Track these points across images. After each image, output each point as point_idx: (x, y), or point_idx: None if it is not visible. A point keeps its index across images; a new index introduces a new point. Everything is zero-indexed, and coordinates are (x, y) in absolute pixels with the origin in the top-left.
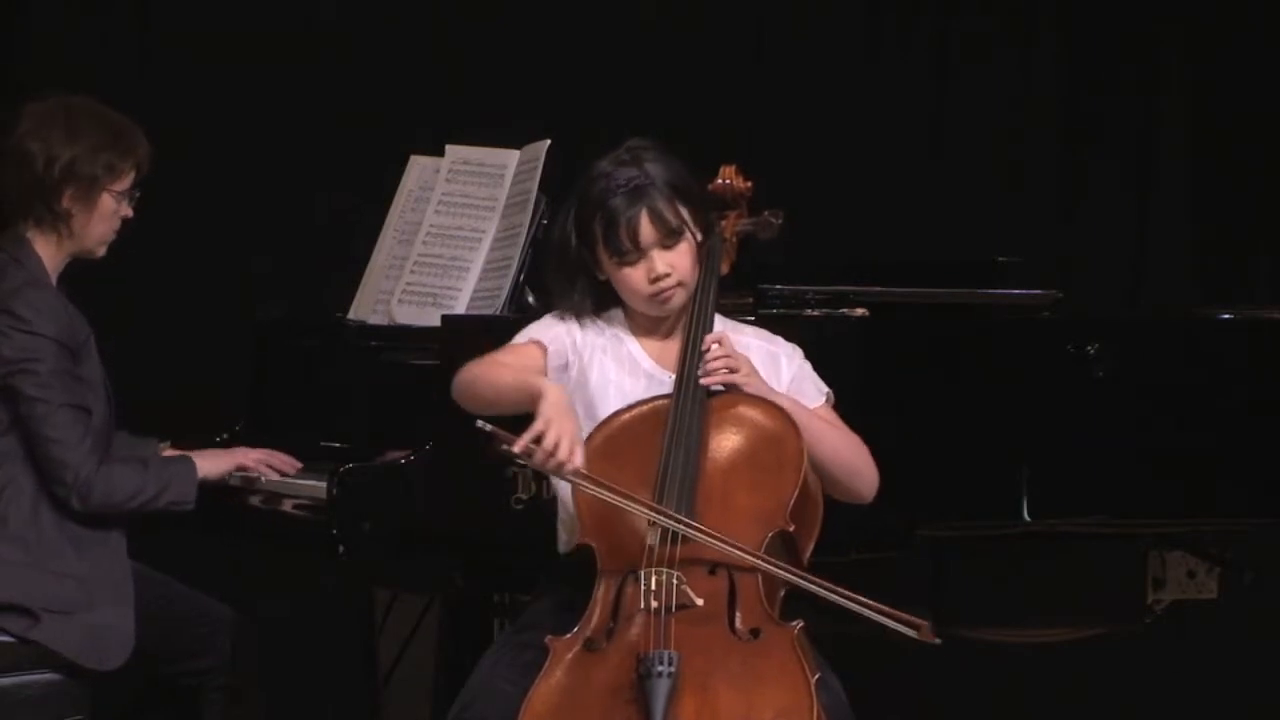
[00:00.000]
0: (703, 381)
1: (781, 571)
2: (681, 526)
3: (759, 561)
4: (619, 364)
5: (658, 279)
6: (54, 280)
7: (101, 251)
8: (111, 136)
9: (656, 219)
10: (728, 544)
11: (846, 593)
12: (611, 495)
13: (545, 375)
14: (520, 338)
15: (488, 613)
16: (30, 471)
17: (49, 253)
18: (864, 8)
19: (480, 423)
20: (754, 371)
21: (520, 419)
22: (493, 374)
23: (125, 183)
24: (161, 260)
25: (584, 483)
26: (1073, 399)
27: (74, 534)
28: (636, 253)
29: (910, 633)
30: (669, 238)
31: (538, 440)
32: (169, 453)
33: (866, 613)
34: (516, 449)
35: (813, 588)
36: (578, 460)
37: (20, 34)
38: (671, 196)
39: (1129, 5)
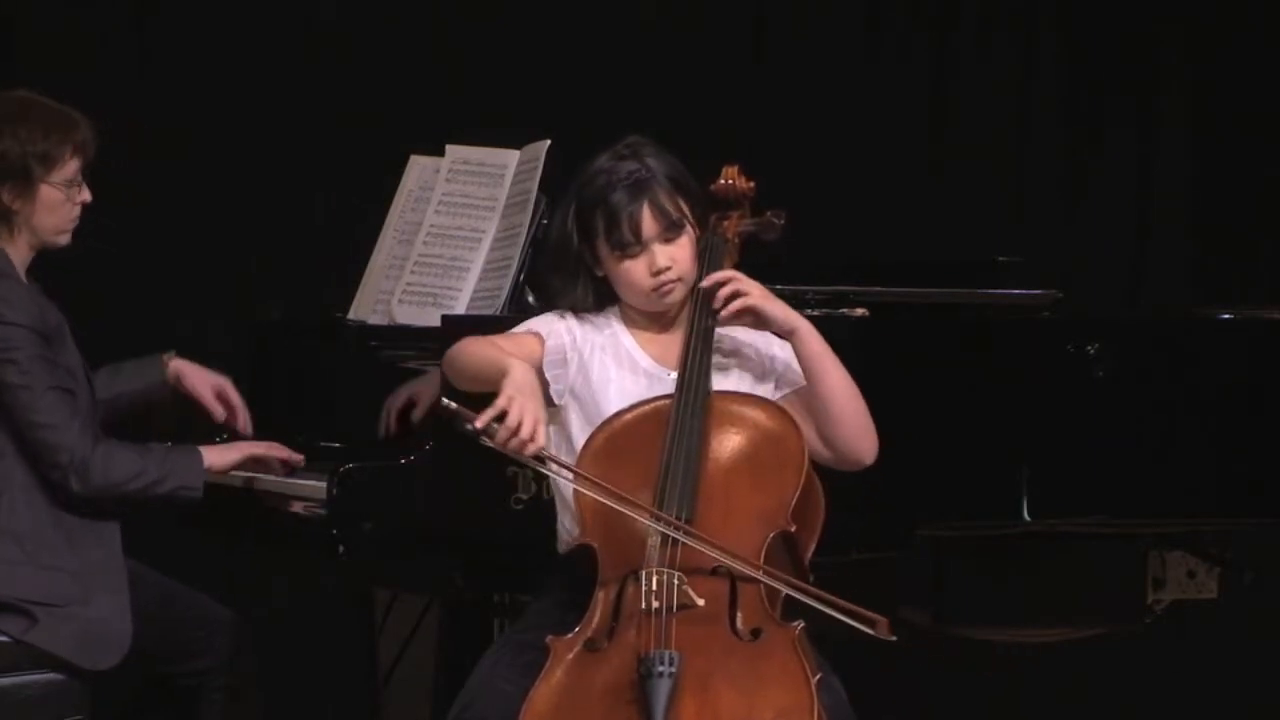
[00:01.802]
0: (723, 316)
1: (770, 580)
2: (679, 535)
3: (754, 572)
4: (618, 362)
5: (659, 272)
6: (22, 275)
7: (64, 240)
8: (43, 128)
9: (658, 211)
10: (724, 552)
11: (812, 589)
12: (611, 499)
13: (540, 368)
14: (520, 328)
15: (488, 613)
16: (22, 465)
17: (11, 250)
18: (864, 7)
19: (444, 400)
20: (767, 294)
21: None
22: (476, 349)
23: (66, 171)
24: (161, 260)
25: (548, 466)
26: (1073, 399)
27: (69, 527)
28: (638, 246)
29: (866, 629)
30: (670, 230)
31: (501, 419)
32: (176, 362)
33: (825, 609)
34: (478, 425)
35: (790, 591)
36: (540, 440)
37: (20, 34)
38: (672, 190)
39: (1129, 5)
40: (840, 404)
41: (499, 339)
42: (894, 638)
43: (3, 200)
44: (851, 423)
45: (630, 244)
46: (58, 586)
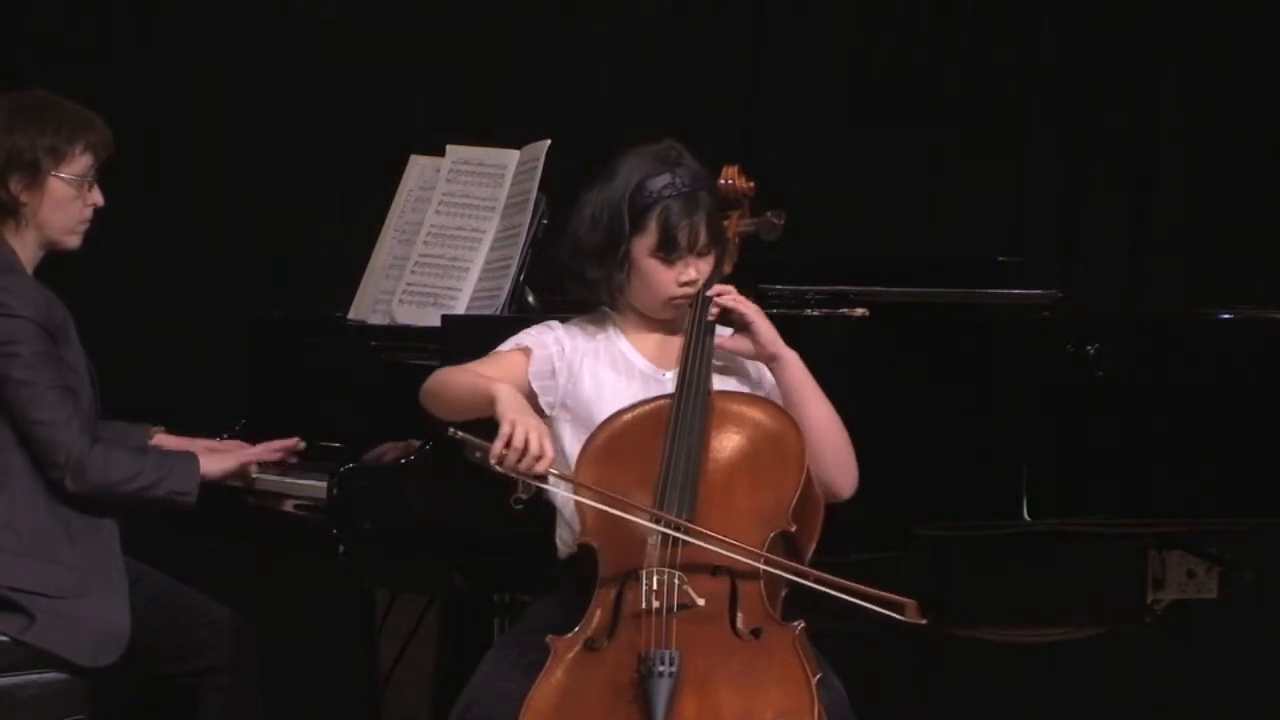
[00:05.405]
0: (715, 305)
1: (784, 572)
2: (684, 535)
3: (761, 563)
4: (613, 366)
5: (686, 284)
6: (29, 272)
7: (72, 242)
8: (55, 122)
9: (712, 226)
10: (731, 546)
11: (837, 580)
12: (612, 506)
13: (525, 383)
14: (506, 345)
15: (488, 613)
16: (24, 458)
17: (18, 245)
18: (864, 7)
19: (451, 430)
20: (761, 315)
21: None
22: (456, 379)
23: (76, 167)
24: (162, 260)
25: (561, 481)
26: (1073, 399)
27: (69, 522)
28: (684, 254)
29: (895, 615)
30: (710, 247)
31: (508, 443)
32: (161, 436)
33: (852, 600)
34: (492, 458)
35: (810, 585)
36: (550, 453)
37: (20, 33)
38: (716, 204)
39: (1129, 5)
40: (819, 435)
41: (478, 365)
42: (924, 620)
43: (10, 191)
44: (830, 455)
45: (678, 251)
46: (56, 579)
